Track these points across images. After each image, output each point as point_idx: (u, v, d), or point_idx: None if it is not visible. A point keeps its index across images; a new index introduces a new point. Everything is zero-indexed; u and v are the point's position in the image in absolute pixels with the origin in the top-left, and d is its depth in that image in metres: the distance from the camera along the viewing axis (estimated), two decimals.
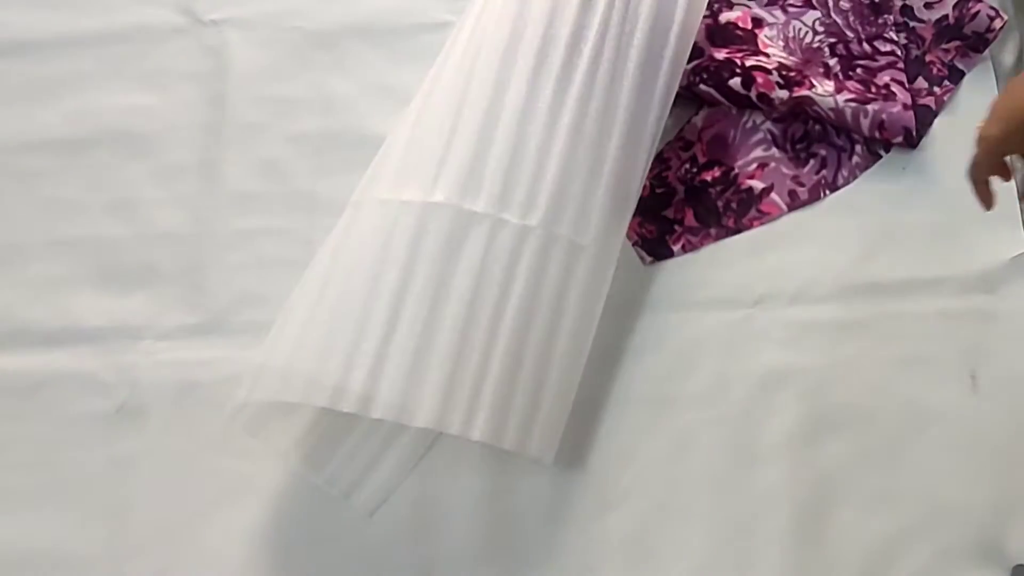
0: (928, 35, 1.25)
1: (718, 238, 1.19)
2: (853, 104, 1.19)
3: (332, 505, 1.11)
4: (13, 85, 1.30)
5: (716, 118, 1.24)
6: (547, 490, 1.11)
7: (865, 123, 1.19)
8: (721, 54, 1.23)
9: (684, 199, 1.22)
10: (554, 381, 1.06)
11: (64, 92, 1.29)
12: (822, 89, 1.19)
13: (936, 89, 1.23)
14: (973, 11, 1.23)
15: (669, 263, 1.19)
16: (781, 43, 1.25)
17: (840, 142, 1.21)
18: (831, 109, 1.19)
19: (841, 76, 1.22)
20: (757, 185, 1.20)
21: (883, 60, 1.23)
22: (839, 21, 1.25)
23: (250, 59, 1.30)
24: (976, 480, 1.09)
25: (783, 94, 1.20)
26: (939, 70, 1.24)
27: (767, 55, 1.23)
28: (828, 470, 1.10)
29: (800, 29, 1.25)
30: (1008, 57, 1.25)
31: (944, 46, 1.24)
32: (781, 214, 1.19)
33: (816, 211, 1.20)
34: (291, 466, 1.12)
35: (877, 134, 1.19)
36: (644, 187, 1.16)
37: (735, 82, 1.21)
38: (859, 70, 1.23)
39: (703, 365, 1.14)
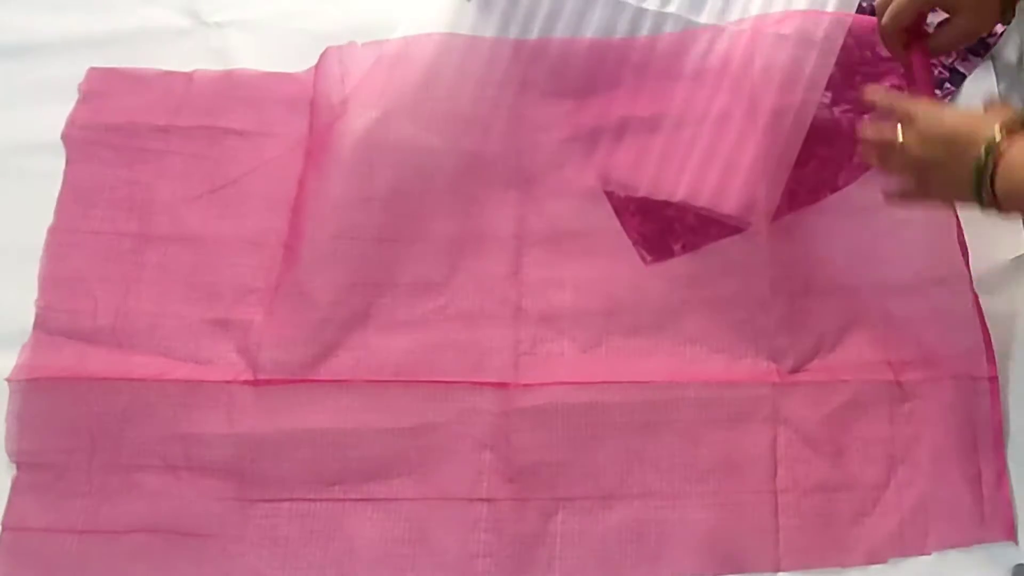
0: None
1: (718, 237, 1.20)
2: (850, 115, 1.22)
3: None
4: (17, 87, 1.31)
5: None
6: None
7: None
8: None
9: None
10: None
11: (68, 94, 1.30)
12: None
13: (937, 92, 1.25)
14: None
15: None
16: None
17: (841, 143, 1.22)
18: (827, 120, 1.22)
19: (840, 84, 1.24)
20: None
21: (883, 67, 1.24)
22: None
23: (254, 61, 1.32)
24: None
25: None
26: (940, 72, 1.27)
27: None
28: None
29: None
30: (1010, 57, 1.27)
31: None
32: (782, 215, 1.20)
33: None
34: None
35: None
36: None
37: None
38: (859, 77, 1.24)
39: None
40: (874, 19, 1.07)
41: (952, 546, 1.08)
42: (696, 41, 1.24)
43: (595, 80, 1.25)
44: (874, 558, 1.08)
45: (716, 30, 1.24)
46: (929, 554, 1.08)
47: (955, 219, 1.16)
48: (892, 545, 1.08)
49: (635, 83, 1.25)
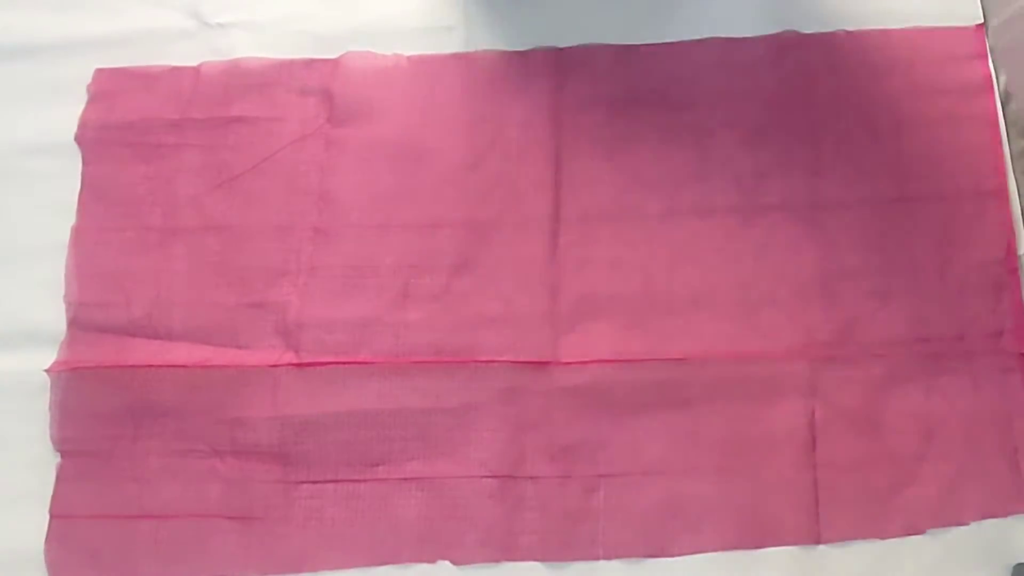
0: None
1: None
2: None
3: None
4: (21, 87, 1.32)
5: None
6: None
7: None
8: None
9: None
10: None
11: (74, 95, 1.32)
12: None
13: None
14: None
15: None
16: None
17: None
18: None
19: None
20: None
21: None
22: None
23: None
24: None
25: None
26: None
27: None
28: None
29: None
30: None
31: None
32: None
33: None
34: None
35: None
36: None
37: None
38: None
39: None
40: None
41: (988, 516, 1.11)
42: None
43: (629, 79, 1.29)
44: (912, 529, 1.11)
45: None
46: (967, 524, 1.11)
47: (1007, 201, 1.21)
48: (930, 516, 1.11)
49: (665, 82, 1.29)
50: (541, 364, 1.16)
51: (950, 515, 1.11)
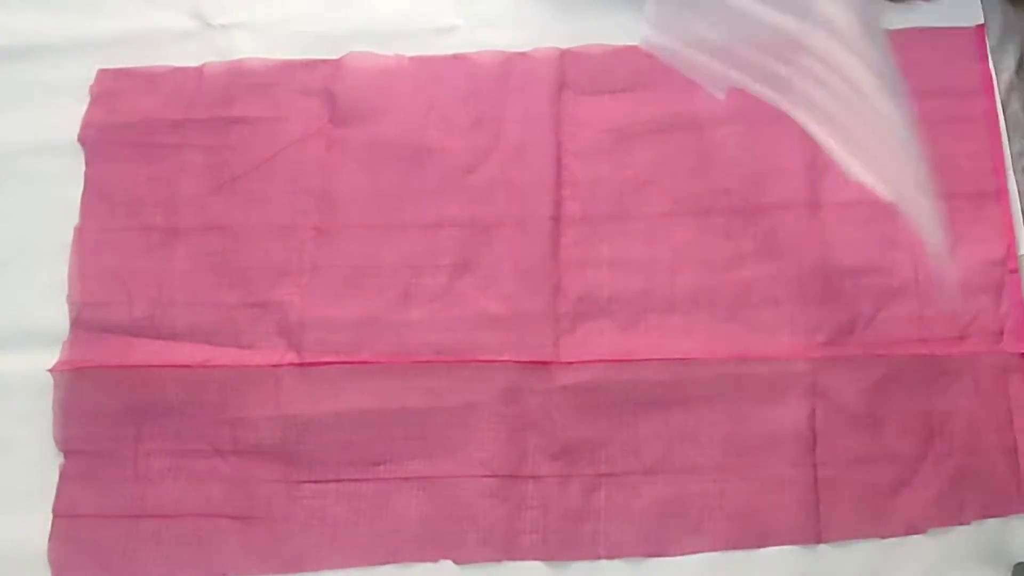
0: None
1: None
2: None
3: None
4: (24, 88, 1.33)
5: None
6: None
7: None
8: None
9: None
10: None
11: (77, 96, 1.32)
12: None
13: None
14: None
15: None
16: None
17: None
18: None
19: None
20: None
21: None
22: None
23: None
24: None
25: None
26: None
27: None
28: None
29: None
30: (1009, 63, 1.30)
31: None
32: None
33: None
34: None
35: None
36: None
37: None
38: None
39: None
40: None
41: (989, 516, 1.11)
42: None
43: (629, 79, 1.30)
44: (913, 529, 1.11)
45: None
46: (967, 524, 1.11)
47: (1007, 202, 1.22)
48: (931, 516, 1.11)
49: (665, 82, 1.29)
50: (542, 364, 1.16)
51: (950, 515, 1.11)
